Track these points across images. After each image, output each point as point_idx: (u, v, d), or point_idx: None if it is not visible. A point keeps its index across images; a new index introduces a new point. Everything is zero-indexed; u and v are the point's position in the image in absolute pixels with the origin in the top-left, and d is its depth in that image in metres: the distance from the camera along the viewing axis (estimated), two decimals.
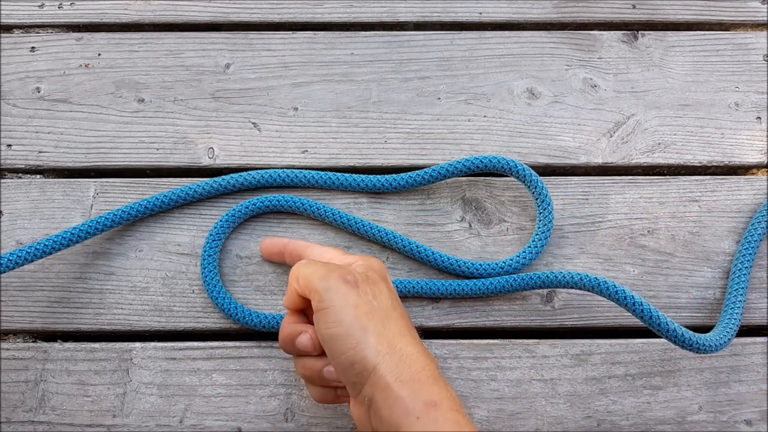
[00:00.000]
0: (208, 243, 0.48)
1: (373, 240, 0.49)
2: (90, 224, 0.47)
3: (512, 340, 0.47)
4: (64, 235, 0.46)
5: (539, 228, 0.48)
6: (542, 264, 0.49)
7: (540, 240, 0.48)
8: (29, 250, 0.45)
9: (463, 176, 0.50)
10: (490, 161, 0.48)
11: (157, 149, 0.52)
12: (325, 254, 0.41)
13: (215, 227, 0.48)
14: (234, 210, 0.49)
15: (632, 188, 0.51)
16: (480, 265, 0.48)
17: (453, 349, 0.47)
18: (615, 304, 0.43)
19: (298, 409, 0.46)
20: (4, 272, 0.44)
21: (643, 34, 0.56)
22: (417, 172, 0.50)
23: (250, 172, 0.50)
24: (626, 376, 0.46)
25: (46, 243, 0.45)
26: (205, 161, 0.52)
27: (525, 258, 0.48)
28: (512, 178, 0.51)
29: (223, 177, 0.50)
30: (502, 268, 0.48)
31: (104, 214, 0.48)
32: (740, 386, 0.46)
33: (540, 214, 0.48)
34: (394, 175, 0.50)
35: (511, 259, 0.48)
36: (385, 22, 0.57)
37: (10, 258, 0.44)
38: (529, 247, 0.48)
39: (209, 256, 0.48)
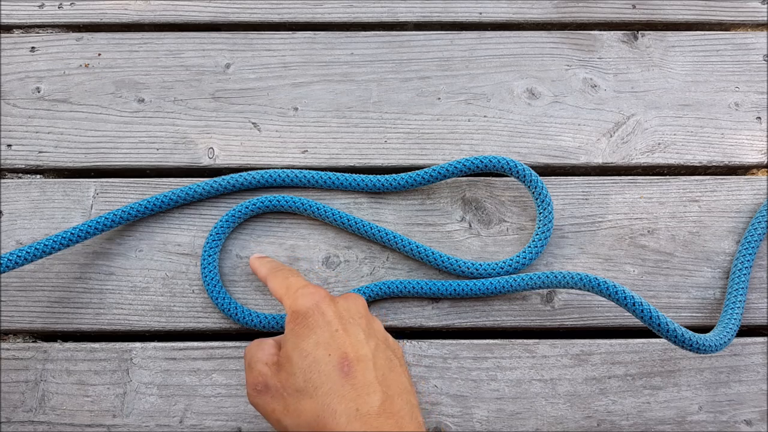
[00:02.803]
0: (208, 243, 0.48)
1: (373, 240, 0.49)
2: (90, 224, 0.47)
3: (512, 340, 0.47)
4: (64, 235, 0.46)
5: (539, 228, 0.48)
6: (542, 264, 0.49)
7: (540, 240, 0.48)
8: (29, 250, 0.45)
9: (463, 176, 0.50)
10: (490, 161, 0.48)
11: (157, 149, 0.52)
12: (278, 291, 0.39)
13: (215, 227, 0.48)
14: (234, 210, 0.49)
15: (632, 188, 0.51)
16: (480, 265, 0.48)
17: (453, 349, 0.47)
18: (615, 304, 0.43)
19: None
20: (4, 272, 0.44)
21: (643, 34, 0.56)
22: (417, 171, 0.50)
23: (250, 172, 0.50)
24: (626, 376, 0.46)
25: (46, 243, 0.45)
26: (205, 161, 0.52)
27: (525, 258, 0.48)
28: (512, 178, 0.51)
29: (223, 177, 0.50)
30: (502, 268, 0.48)
31: (104, 214, 0.48)
32: (740, 386, 0.46)
33: (540, 214, 0.48)
34: (394, 175, 0.50)
35: (511, 259, 0.48)
36: (385, 22, 0.57)
37: (10, 258, 0.44)
38: (529, 247, 0.48)
39: (209, 256, 0.48)
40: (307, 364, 0.34)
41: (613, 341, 0.47)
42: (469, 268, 0.48)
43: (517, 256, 0.48)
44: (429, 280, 0.48)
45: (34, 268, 0.49)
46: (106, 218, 0.47)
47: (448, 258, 0.48)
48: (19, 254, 0.44)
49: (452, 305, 0.48)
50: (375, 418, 0.32)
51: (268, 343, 0.38)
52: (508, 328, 0.48)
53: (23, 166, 0.52)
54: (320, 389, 0.33)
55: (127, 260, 0.49)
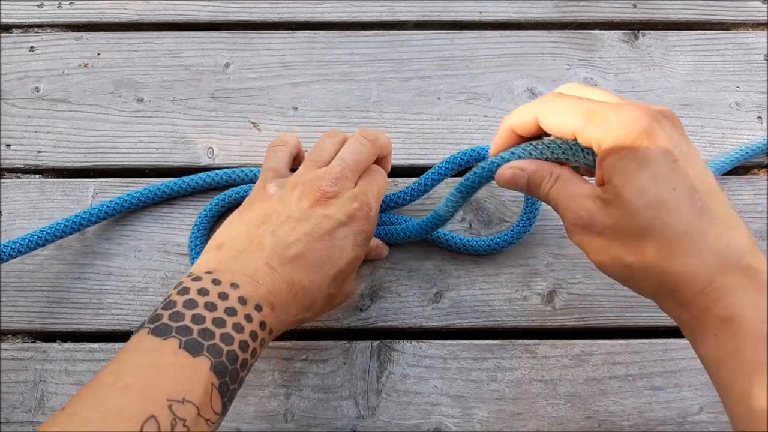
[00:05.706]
0: (193, 233, 0.48)
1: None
2: (92, 212, 0.47)
3: (512, 340, 0.47)
4: (66, 223, 0.46)
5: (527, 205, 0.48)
6: (543, 264, 0.49)
7: (531, 212, 0.47)
8: (31, 238, 0.45)
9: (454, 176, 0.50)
10: (470, 155, 0.47)
11: (156, 149, 0.52)
12: (568, 124, 0.34)
13: (198, 219, 0.48)
14: (218, 198, 0.48)
15: None
16: (468, 240, 0.48)
17: (453, 349, 0.47)
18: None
19: (298, 410, 0.45)
20: (6, 261, 0.44)
21: (644, 33, 0.56)
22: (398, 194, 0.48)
23: (251, 168, 0.50)
24: (627, 376, 0.46)
25: (48, 231, 0.46)
26: (205, 161, 0.52)
27: (521, 227, 0.48)
28: None
29: (225, 171, 0.49)
30: (497, 243, 0.48)
31: (105, 202, 0.47)
32: None
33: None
34: (398, 193, 0.49)
35: (506, 233, 0.48)
36: (385, 21, 0.57)
37: (13, 247, 0.44)
38: (522, 220, 0.48)
39: (196, 246, 0.48)
40: (645, 203, 0.31)
41: (614, 341, 0.47)
42: (462, 241, 0.48)
43: (511, 230, 0.48)
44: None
45: (33, 269, 0.49)
46: (107, 206, 0.48)
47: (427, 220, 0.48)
48: (22, 242, 0.44)
49: (452, 305, 0.48)
50: (750, 256, 0.29)
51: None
52: (509, 329, 0.48)
53: (22, 166, 0.52)
54: (670, 228, 0.30)
55: (126, 260, 0.49)
